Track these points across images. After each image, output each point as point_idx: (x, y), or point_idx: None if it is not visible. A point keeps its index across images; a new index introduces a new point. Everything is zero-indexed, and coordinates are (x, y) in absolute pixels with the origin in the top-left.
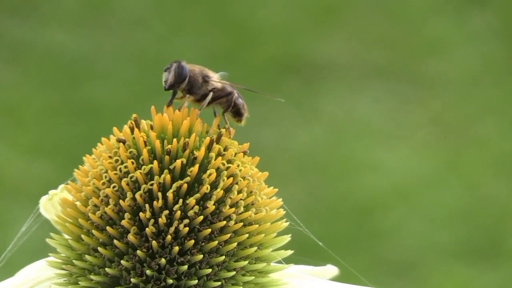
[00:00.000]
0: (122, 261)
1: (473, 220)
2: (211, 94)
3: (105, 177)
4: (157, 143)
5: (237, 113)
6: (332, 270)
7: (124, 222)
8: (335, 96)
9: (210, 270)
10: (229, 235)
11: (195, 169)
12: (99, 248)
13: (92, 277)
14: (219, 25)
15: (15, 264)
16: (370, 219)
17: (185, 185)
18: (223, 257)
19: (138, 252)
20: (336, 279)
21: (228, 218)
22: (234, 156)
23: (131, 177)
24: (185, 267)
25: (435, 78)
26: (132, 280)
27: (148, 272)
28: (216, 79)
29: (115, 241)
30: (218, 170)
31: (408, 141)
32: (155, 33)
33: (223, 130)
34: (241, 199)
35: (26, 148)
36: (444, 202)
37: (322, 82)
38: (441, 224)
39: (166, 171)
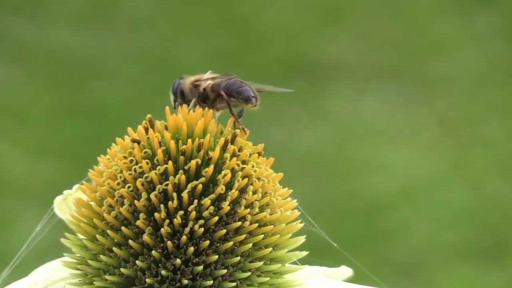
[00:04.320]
0: (137, 261)
1: (479, 220)
2: (196, 95)
3: (120, 177)
4: (172, 144)
5: (245, 99)
6: (346, 271)
7: (139, 223)
8: (341, 96)
9: (225, 270)
10: (244, 235)
11: (210, 169)
12: (114, 248)
13: (107, 277)
14: (225, 25)
15: (22, 264)
16: (376, 219)
17: (200, 186)
18: (238, 257)
19: (153, 252)
20: (348, 279)
21: (243, 218)
22: (249, 157)
23: (146, 178)
24: (200, 267)
25: (440, 78)
26: (147, 280)
27: (163, 272)
28: (204, 79)
29: (130, 241)
30: (233, 171)
31: (413, 141)
32: (161, 33)
33: (237, 131)
34: (256, 200)
35: (31, 148)
36: (450, 202)
37: (328, 82)
38: (447, 224)
39: (181, 171)
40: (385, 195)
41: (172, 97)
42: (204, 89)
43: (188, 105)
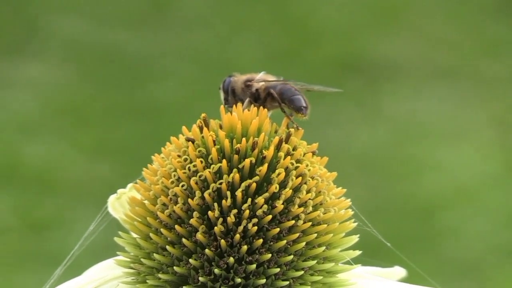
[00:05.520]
0: (190, 260)
1: None
2: (248, 94)
3: (174, 176)
4: (226, 142)
5: (297, 109)
6: (399, 271)
7: (192, 221)
8: (397, 96)
9: (278, 269)
10: (297, 234)
11: (264, 168)
12: (167, 247)
13: (160, 275)
14: (280, 24)
15: (76, 262)
16: (433, 219)
17: (254, 184)
18: (291, 256)
19: (207, 251)
20: (402, 279)
21: (296, 217)
22: (303, 156)
23: (200, 176)
24: (254, 266)
25: (497, 79)
26: (200, 279)
27: (216, 271)
28: (258, 79)
29: (184, 240)
30: (287, 170)
31: (470, 141)
32: (217, 33)
33: (292, 130)
34: (309, 199)
35: (89, 147)
36: (506, 202)
37: (384, 82)
38: (504, 224)
39: (235, 170)
40: (441, 195)
41: (222, 95)
42: (257, 89)
43: (237, 103)
